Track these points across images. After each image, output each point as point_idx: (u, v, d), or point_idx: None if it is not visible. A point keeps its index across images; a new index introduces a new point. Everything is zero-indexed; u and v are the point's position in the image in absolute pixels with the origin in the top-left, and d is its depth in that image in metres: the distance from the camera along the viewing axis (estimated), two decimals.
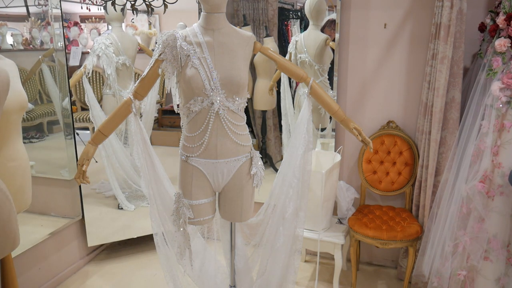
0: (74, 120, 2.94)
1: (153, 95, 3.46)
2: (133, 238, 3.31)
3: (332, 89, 2.94)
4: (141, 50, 3.52)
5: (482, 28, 2.38)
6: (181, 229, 1.90)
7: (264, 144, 3.62)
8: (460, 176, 2.29)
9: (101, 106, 3.29)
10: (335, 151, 2.91)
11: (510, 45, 2.12)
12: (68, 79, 2.87)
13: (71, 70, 3.20)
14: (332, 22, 2.95)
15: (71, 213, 3.02)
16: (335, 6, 2.79)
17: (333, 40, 2.85)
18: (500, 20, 2.13)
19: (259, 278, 2.24)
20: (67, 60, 2.87)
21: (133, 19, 3.69)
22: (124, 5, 2.96)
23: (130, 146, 3.46)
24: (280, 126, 3.48)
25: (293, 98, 3.32)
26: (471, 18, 2.43)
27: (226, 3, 1.78)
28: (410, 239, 2.48)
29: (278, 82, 3.34)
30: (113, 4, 2.46)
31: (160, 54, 1.77)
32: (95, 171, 3.37)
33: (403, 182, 2.74)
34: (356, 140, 2.85)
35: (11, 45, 2.87)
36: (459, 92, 2.41)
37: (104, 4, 3.13)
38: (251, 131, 3.56)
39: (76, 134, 2.96)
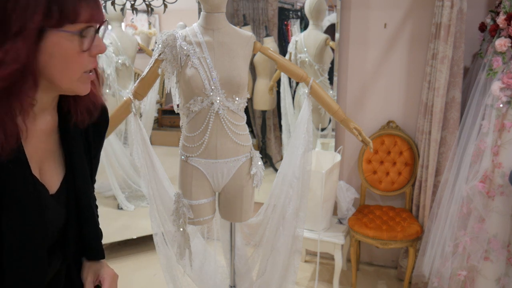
0: None
1: (153, 95, 3.45)
2: (133, 238, 3.30)
3: (332, 89, 2.93)
4: (140, 50, 3.52)
5: (482, 28, 2.38)
6: (181, 229, 1.90)
7: (264, 144, 3.62)
8: (460, 176, 2.29)
9: None
10: (335, 151, 2.91)
11: (510, 45, 2.12)
12: None
13: None
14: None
15: None
16: (335, 6, 2.79)
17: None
18: (501, 20, 2.13)
19: (259, 278, 2.23)
20: None
21: (132, 18, 3.69)
22: (124, 4, 2.96)
23: (130, 146, 3.46)
24: (280, 126, 3.47)
25: (293, 98, 3.31)
26: (471, 18, 2.42)
27: (226, 3, 1.78)
28: (410, 239, 2.47)
29: (278, 82, 3.33)
30: (113, 3, 2.46)
31: (160, 54, 1.76)
32: None
33: (403, 182, 2.73)
34: (356, 140, 2.85)
35: None
36: (459, 92, 2.41)
37: (103, 4, 3.12)
38: (251, 131, 3.56)
39: None
